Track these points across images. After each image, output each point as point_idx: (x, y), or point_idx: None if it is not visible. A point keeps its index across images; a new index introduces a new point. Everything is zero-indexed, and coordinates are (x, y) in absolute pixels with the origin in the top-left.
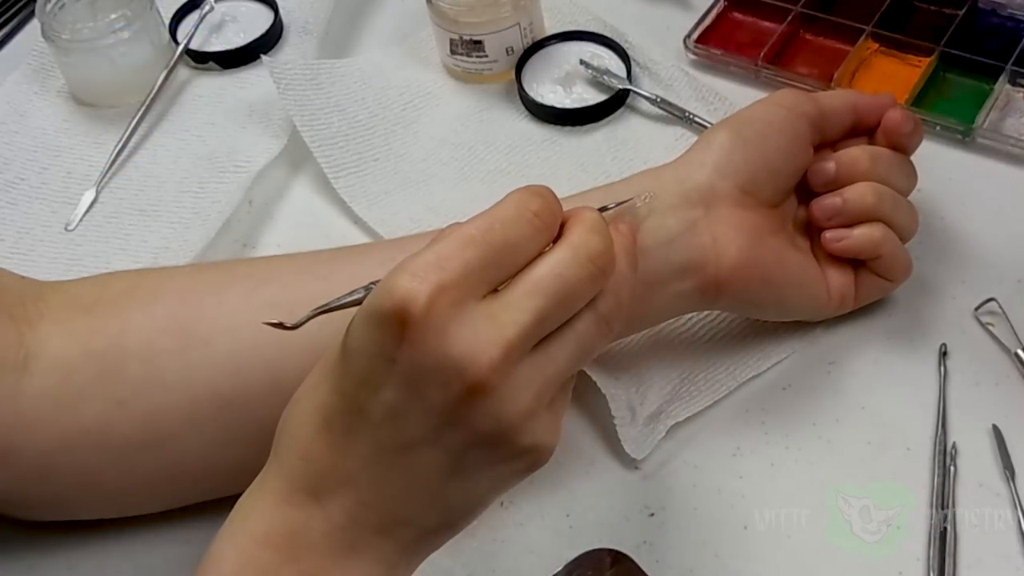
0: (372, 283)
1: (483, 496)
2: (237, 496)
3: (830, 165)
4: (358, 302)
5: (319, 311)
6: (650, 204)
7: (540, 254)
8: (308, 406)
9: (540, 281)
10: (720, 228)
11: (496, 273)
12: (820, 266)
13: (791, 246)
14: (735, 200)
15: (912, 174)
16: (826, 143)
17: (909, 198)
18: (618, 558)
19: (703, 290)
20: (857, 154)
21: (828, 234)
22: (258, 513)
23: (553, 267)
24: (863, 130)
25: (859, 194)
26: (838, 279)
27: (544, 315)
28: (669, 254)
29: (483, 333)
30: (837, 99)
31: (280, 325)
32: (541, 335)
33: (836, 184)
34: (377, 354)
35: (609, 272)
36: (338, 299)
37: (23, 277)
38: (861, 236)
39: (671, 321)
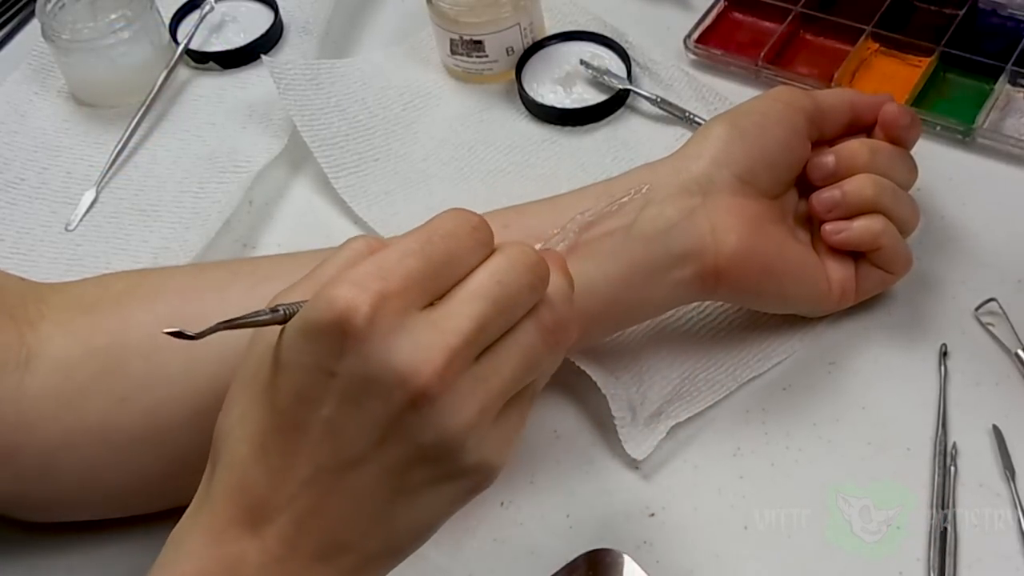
0: (278, 305)
1: (428, 519)
2: None
3: (829, 158)
4: (264, 322)
5: (223, 325)
6: (647, 195)
7: (478, 266)
8: (241, 431)
9: (480, 288)
10: (719, 216)
11: (437, 284)
12: (821, 259)
13: (791, 237)
14: (733, 189)
15: (912, 168)
16: (824, 140)
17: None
18: (618, 558)
19: (703, 278)
20: (856, 147)
21: (828, 226)
22: (189, 553)
23: (492, 274)
24: (860, 128)
25: (858, 186)
26: (839, 272)
27: (485, 321)
28: (668, 242)
29: (425, 341)
30: (834, 96)
31: (181, 335)
32: (484, 343)
33: (835, 177)
34: (315, 367)
35: (546, 280)
36: (243, 316)
37: (23, 279)
38: (860, 228)
39: (672, 321)
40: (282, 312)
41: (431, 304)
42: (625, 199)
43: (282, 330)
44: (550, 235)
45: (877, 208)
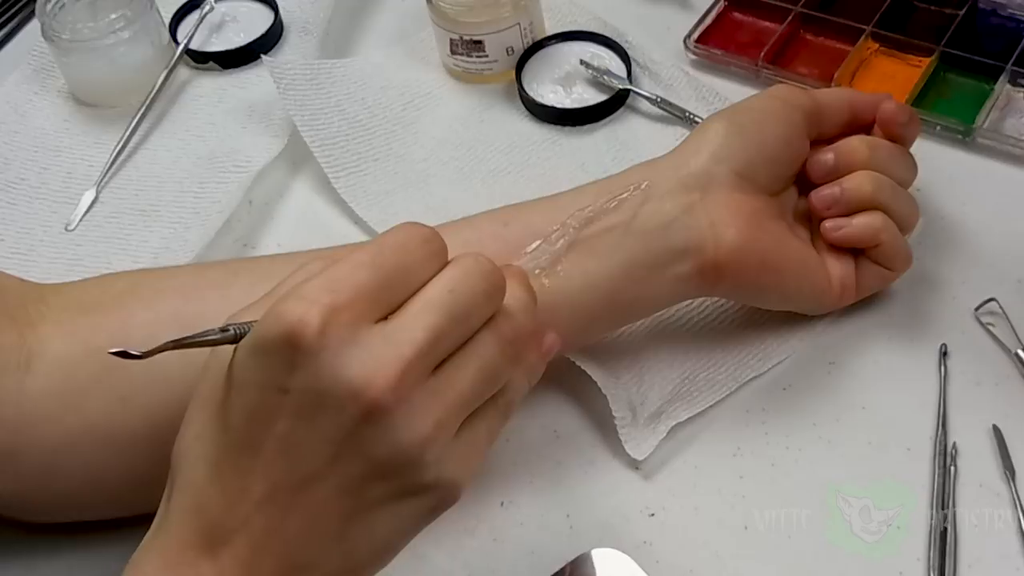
0: (229, 324)
1: (388, 538)
2: None
3: (829, 156)
4: (215, 341)
5: (172, 344)
6: (646, 192)
7: (432, 278)
8: (196, 452)
9: (433, 298)
10: (717, 211)
11: (389, 296)
12: (821, 256)
13: (790, 233)
14: (732, 185)
15: (912, 166)
16: (823, 139)
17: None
18: (618, 558)
19: (702, 273)
20: (855, 144)
21: (827, 223)
22: None
23: (446, 284)
24: (860, 127)
25: (857, 183)
26: (839, 269)
27: (439, 332)
28: (667, 237)
29: (378, 353)
30: (833, 95)
31: (126, 354)
32: (439, 355)
33: (835, 174)
34: (268, 384)
35: (501, 290)
36: (192, 335)
37: (23, 280)
38: (860, 224)
39: (672, 321)
40: (232, 331)
41: (384, 318)
42: (624, 195)
43: (235, 349)
44: (549, 232)
45: (876, 205)
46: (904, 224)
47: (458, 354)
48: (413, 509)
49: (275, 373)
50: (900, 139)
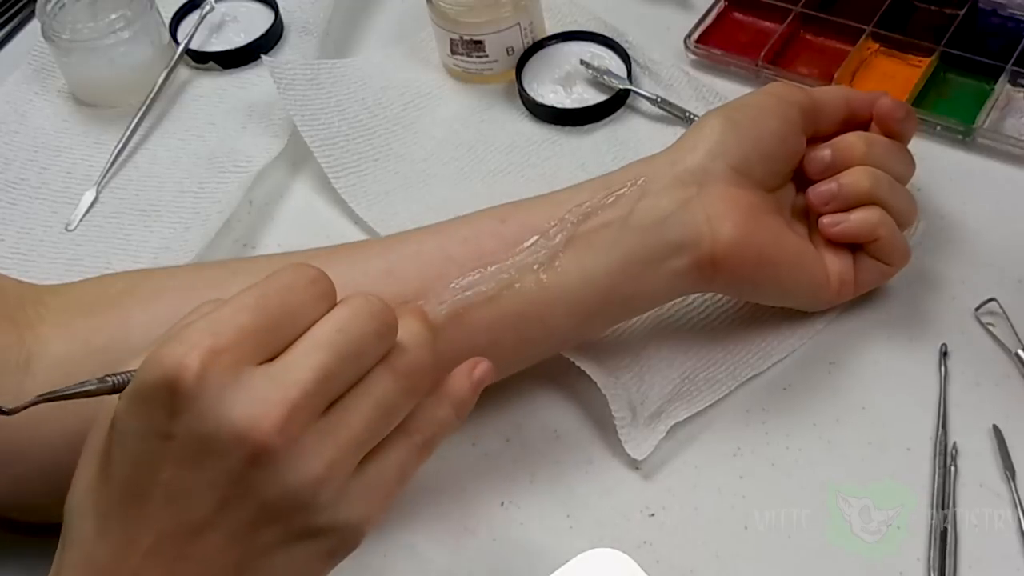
0: (107, 375)
1: None
2: None
3: (825, 152)
4: (91, 393)
5: (43, 398)
6: (643, 188)
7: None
8: (85, 506)
9: (321, 338)
10: (714, 206)
11: (274, 338)
12: (819, 251)
13: (788, 228)
14: (728, 179)
15: (909, 162)
16: (820, 136)
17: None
18: (618, 558)
19: (699, 268)
20: (853, 140)
21: (825, 219)
22: None
23: (334, 324)
24: (856, 125)
25: (854, 178)
26: (837, 264)
27: (328, 372)
28: (664, 231)
29: (263, 395)
30: (829, 93)
31: None
32: (329, 395)
33: (832, 170)
34: (150, 432)
35: (393, 327)
36: (67, 388)
37: (21, 282)
38: (857, 219)
39: (672, 320)
40: (111, 381)
41: (271, 360)
42: (621, 191)
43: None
44: (547, 227)
45: (874, 200)
46: (902, 220)
47: (350, 393)
48: (310, 553)
49: (156, 419)
50: (897, 135)
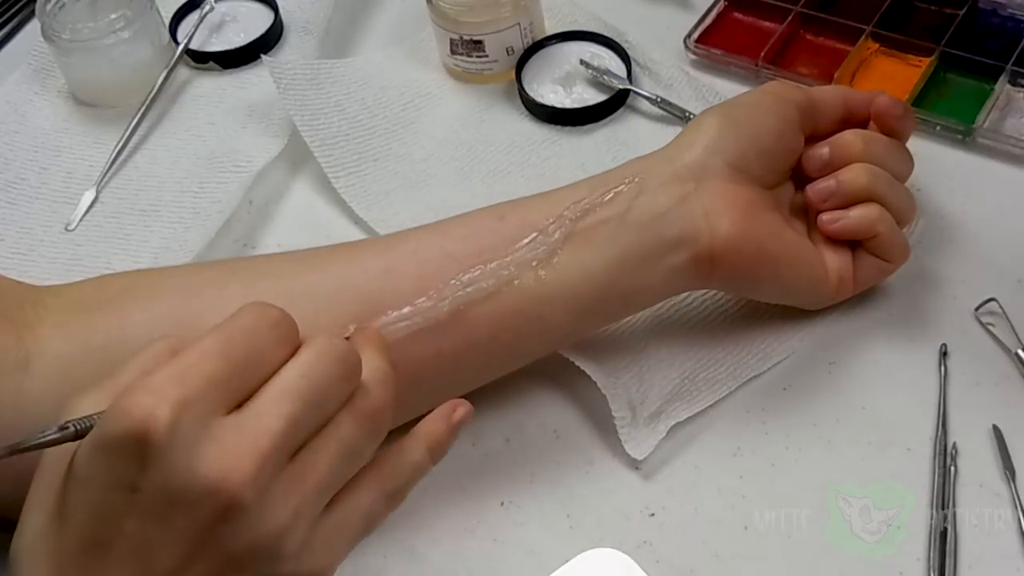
0: (68, 421)
1: None
2: None
3: (824, 149)
4: (54, 441)
5: (6, 450)
6: (640, 185)
7: (286, 362)
8: (37, 553)
9: (288, 385)
10: (712, 202)
11: (240, 384)
12: (818, 248)
13: (786, 225)
14: (726, 176)
15: (907, 159)
16: (817, 135)
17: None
18: (618, 558)
19: (697, 263)
20: (851, 138)
21: (824, 215)
22: None
23: (299, 370)
24: (854, 124)
25: (853, 175)
26: (836, 261)
27: (296, 420)
28: (662, 227)
29: (233, 447)
30: (827, 91)
31: None
32: (296, 443)
33: (831, 167)
34: (115, 484)
35: (358, 370)
36: (31, 438)
37: (20, 282)
38: (856, 216)
39: (672, 321)
40: (73, 428)
41: (237, 406)
42: (619, 188)
43: (78, 446)
44: (545, 224)
45: (872, 196)
46: (901, 217)
47: (316, 438)
48: None
49: (123, 471)
50: (895, 133)
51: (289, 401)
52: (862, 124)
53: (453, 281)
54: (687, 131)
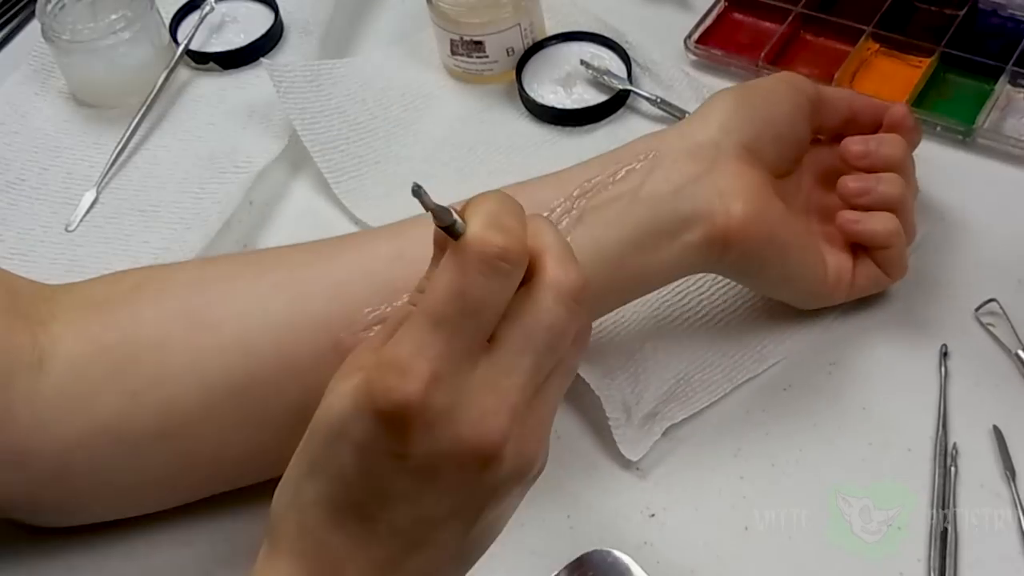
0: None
1: (498, 531)
2: (246, 487)
3: (872, 144)
4: (443, 221)
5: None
6: (654, 161)
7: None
8: (309, 496)
9: (530, 337)
10: (726, 182)
11: (479, 332)
12: (822, 245)
13: (794, 214)
14: (740, 157)
15: (914, 181)
16: (820, 133)
17: None
18: (618, 559)
19: (710, 243)
20: (898, 142)
21: (847, 213)
22: None
23: (540, 319)
24: (857, 128)
25: (892, 184)
26: (836, 260)
27: (539, 368)
28: (676, 204)
29: (488, 405)
30: (835, 92)
31: None
32: (538, 385)
33: (868, 159)
34: (384, 451)
35: (587, 303)
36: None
37: (33, 281)
38: (880, 223)
39: (668, 321)
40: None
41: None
42: (632, 166)
43: (337, 407)
44: (555, 206)
45: (898, 209)
46: (908, 237)
47: (552, 373)
48: (515, 503)
49: (389, 443)
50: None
51: (533, 353)
52: (864, 130)
53: None
54: (702, 109)
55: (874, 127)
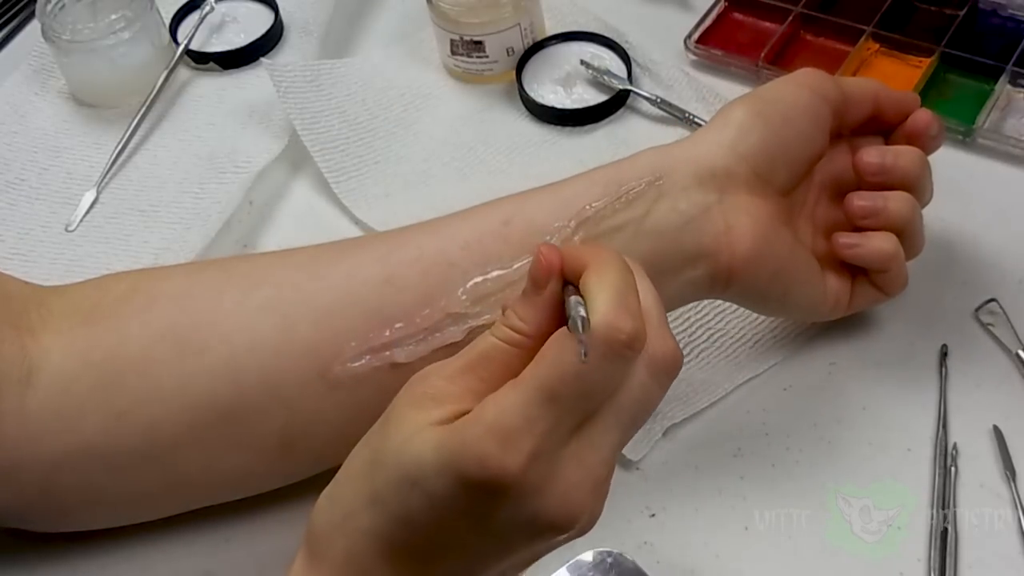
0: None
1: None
2: (238, 500)
3: (888, 158)
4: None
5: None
6: (660, 188)
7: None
8: (364, 524)
9: (622, 411)
10: (734, 215)
11: (588, 413)
12: (822, 270)
13: (798, 240)
14: (751, 186)
15: (931, 189)
16: (841, 132)
17: None
18: (619, 559)
19: (714, 278)
20: (915, 159)
21: (842, 238)
22: None
23: (634, 396)
24: (879, 125)
25: (900, 206)
26: (835, 282)
27: (624, 441)
28: (681, 240)
29: (573, 480)
30: (860, 87)
31: None
32: (617, 453)
33: (883, 174)
34: (461, 511)
35: (674, 375)
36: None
37: (26, 282)
38: (875, 248)
39: (670, 322)
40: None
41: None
42: (637, 187)
43: (410, 453)
44: (553, 230)
45: (904, 230)
46: (912, 252)
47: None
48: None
49: (476, 505)
50: (924, 149)
51: (621, 427)
52: (886, 125)
53: (461, 294)
54: (713, 126)
55: (899, 120)
